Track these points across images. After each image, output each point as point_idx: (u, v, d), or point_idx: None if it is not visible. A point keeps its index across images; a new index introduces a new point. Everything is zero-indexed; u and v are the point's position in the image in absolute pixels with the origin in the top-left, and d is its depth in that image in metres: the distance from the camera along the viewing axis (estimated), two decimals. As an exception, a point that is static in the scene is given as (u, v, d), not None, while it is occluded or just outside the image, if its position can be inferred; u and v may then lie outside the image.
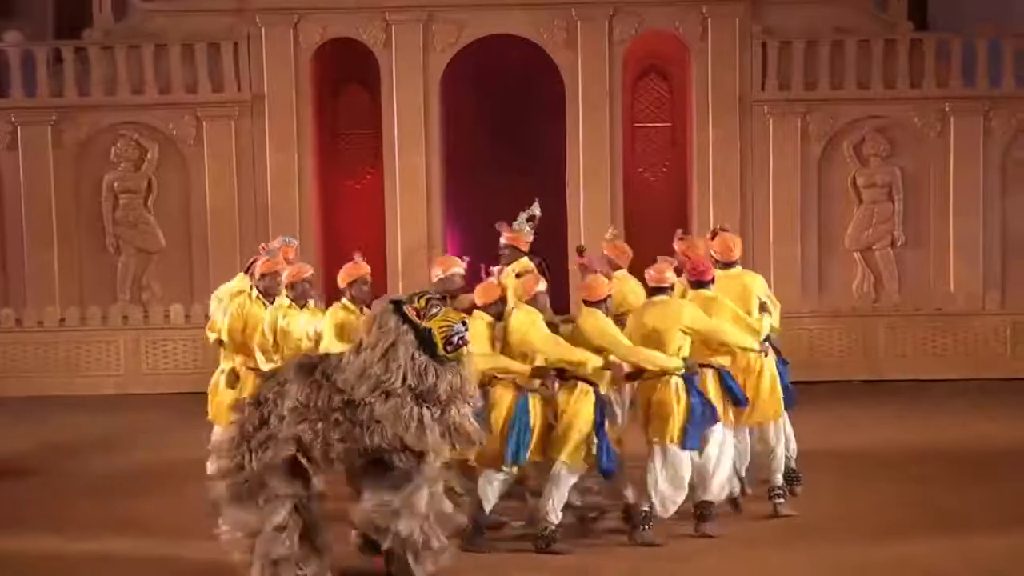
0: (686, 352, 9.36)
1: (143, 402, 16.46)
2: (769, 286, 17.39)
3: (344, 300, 9.86)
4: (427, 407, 7.88)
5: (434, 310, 7.99)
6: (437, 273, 10.09)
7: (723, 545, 9.32)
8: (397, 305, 8.09)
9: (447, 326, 7.93)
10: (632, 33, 17.93)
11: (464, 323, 8.04)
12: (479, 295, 9.60)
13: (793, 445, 10.37)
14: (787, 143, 17.86)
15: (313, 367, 8.17)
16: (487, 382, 9.13)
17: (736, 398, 9.73)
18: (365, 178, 19.18)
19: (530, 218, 11.82)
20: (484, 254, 12.46)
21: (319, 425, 7.98)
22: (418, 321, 7.96)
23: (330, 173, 18.91)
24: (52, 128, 17.94)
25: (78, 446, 13.66)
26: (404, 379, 7.86)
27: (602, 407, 9.19)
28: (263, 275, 10.27)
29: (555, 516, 9.16)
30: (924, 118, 17.86)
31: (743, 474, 10.23)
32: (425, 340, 7.93)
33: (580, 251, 12.51)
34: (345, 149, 19.32)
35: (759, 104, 17.84)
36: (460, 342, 7.94)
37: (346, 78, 19.00)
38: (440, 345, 7.92)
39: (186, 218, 18.11)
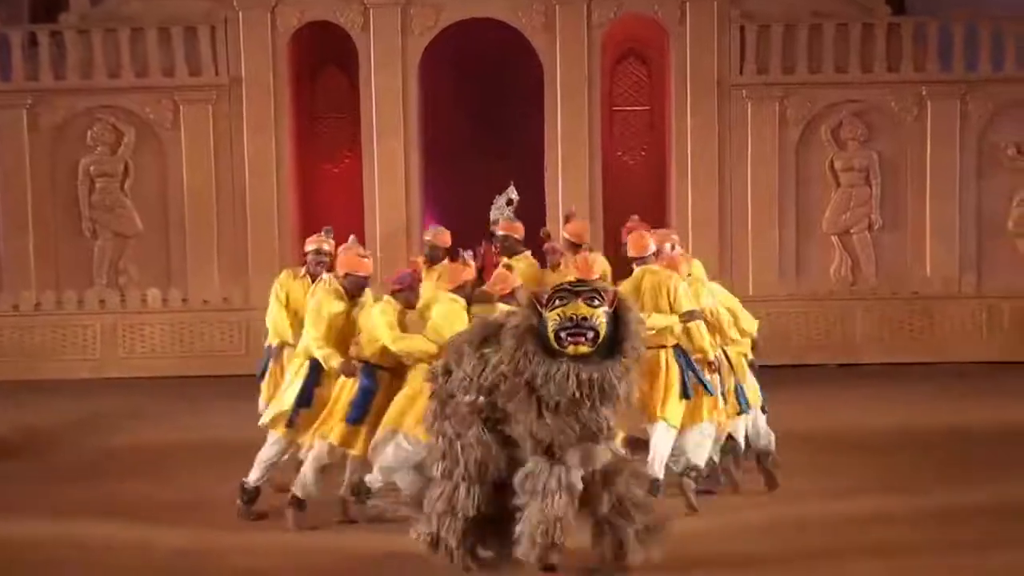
0: None
1: (120, 386, 16.42)
2: (748, 270, 17.68)
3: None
4: (542, 399, 7.64)
5: (558, 301, 7.71)
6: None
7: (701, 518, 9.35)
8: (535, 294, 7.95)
9: (560, 319, 7.64)
10: (611, 17, 17.91)
11: (586, 320, 7.63)
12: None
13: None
14: (765, 127, 17.89)
15: (487, 337, 7.96)
16: None
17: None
18: (343, 162, 19.16)
19: (508, 202, 11.84)
20: (461, 238, 12.47)
21: (480, 399, 7.88)
22: (541, 310, 7.75)
23: (308, 157, 18.87)
24: (28, 112, 17.86)
25: (55, 430, 13.60)
26: (516, 365, 7.68)
27: None
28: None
29: None
30: (901, 102, 17.91)
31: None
32: (541, 331, 7.72)
33: (546, 236, 12.54)
34: (323, 133, 19.28)
35: (737, 88, 17.86)
36: (569, 339, 7.60)
37: (324, 62, 18.96)
38: (551, 338, 7.68)
39: (163, 202, 18.06)
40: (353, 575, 8.38)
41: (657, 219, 18.10)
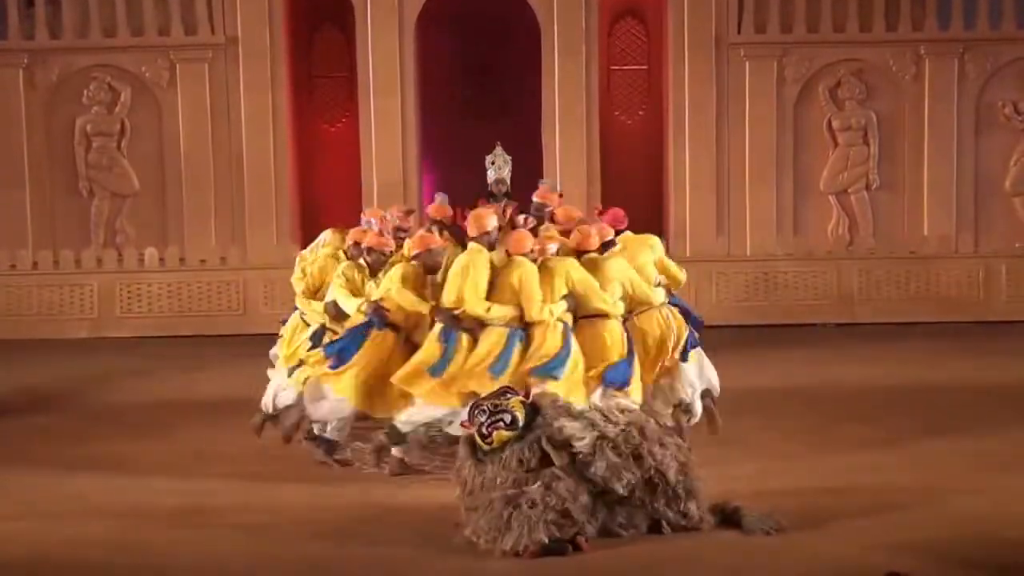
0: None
1: (117, 345, 16.44)
2: (745, 229, 17.67)
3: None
4: None
5: (476, 409, 8.25)
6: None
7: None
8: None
9: (479, 418, 8.18)
10: (608, -26, 17.86)
11: (498, 406, 8.17)
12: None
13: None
14: (763, 86, 17.83)
15: None
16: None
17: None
18: (340, 121, 19.10)
19: (491, 162, 11.84)
20: (458, 198, 12.47)
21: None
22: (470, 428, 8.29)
23: (305, 116, 18.82)
24: (24, 71, 17.78)
25: (53, 389, 13.64)
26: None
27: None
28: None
29: None
30: (899, 61, 17.86)
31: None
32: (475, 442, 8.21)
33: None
34: (320, 92, 19.21)
35: (735, 47, 17.79)
36: (490, 428, 8.10)
37: (321, 20, 18.87)
38: (479, 441, 8.16)
39: (160, 161, 18.00)
40: (353, 530, 8.42)
41: (655, 178, 18.19)
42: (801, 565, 7.55)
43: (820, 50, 17.86)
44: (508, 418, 8.05)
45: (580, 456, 8.01)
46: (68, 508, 9.03)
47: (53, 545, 8.19)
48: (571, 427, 8.11)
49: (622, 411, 8.52)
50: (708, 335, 10.70)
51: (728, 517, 8.20)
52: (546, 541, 7.68)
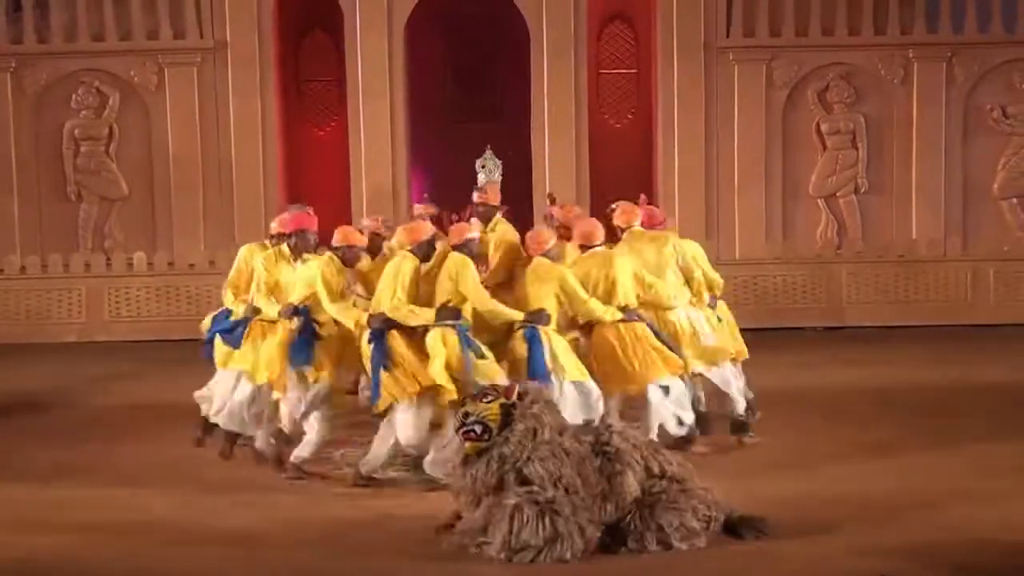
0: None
1: (106, 350, 16.41)
2: (734, 232, 17.70)
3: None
4: None
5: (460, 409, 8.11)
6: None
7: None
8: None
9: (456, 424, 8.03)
10: (597, -22, 17.87)
11: (468, 415, 7.88)
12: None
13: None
14: (752, 90, 17.86)
15: None
16: None
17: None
18: (329, 125, 19.11)
19: (483, 167, 11.88)
20: (448, 201, 12.50)
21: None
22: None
23: (294, 120, 18.82)
24: (12, 75, 17.76)
25: (41, 394, 13.60)
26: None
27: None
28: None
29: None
30: (888, 65, 17.90)
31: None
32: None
33: (552, 200, 12.53)
34: (309, 96, 19.23)
35: (724, 51, 17.82)
36: (464, 439, 7.87)
37: (309, 24, 18.89)
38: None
39: (148, 165, 17.98)
40: (344, 536, 8.40)
41: (643, 183, 18.17)
42: (793, 571, 7.55)
43: (809, 54, 17.90)
44: (479, 429, 7.79)
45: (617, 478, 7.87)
46: (56, 514, 8.99)
47: (41, 550, 8.16)
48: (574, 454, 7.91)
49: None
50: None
51: (721, 524, 8.17)
52: (539, 544, 7.66)
